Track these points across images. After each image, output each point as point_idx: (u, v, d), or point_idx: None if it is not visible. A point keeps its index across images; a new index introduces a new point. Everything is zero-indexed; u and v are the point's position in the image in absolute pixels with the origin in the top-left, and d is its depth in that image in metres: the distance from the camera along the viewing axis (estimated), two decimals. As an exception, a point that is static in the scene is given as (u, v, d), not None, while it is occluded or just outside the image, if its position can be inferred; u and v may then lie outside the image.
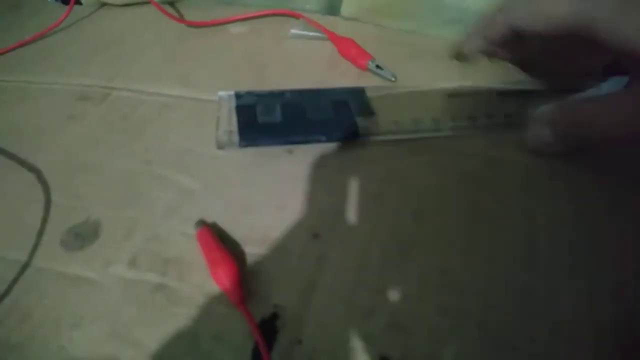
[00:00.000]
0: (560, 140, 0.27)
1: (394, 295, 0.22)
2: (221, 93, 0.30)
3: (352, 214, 0.26)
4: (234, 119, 0.29)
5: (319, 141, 0.28)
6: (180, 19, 0.40)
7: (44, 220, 0.26)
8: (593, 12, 0.23)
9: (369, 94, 0.32)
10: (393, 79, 0.33)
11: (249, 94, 0.30)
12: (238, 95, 0.30)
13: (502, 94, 0.32)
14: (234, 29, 0.39)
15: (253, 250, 0.24)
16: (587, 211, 0.25)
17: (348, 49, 0.35)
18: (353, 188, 0.27)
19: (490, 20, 0.28)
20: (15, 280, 0.24)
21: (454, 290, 0.23)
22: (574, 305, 0.22)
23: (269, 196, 0.27)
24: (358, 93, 0.31)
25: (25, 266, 0.24)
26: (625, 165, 0.27)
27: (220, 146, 0.28)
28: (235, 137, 0.28)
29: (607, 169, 0.27)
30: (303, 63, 0.35)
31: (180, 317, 0.22)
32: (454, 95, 0.32)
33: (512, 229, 0.25)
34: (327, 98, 0.31)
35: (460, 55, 0.31)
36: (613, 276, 0.23)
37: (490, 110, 0.30)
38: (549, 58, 0.29)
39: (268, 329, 0.21)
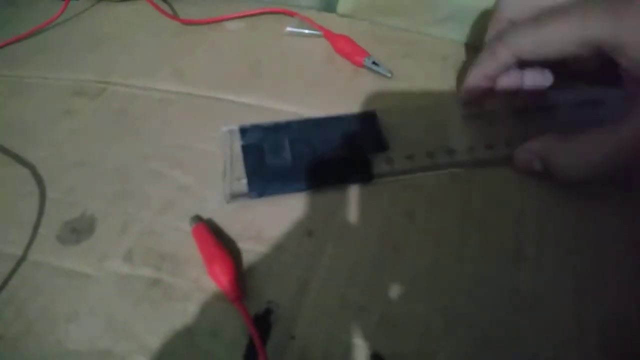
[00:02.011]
0: (549, 173, 0.25)
1: (386, 292, 0.23)
2: (224, 129, 0.28)
3: (346, 213, 0.26)
4: (240, 160, 0.27)
5: (332, 185, 0.27)
6: (175, 17, 0.40)
7: (40, 215, 0.26)
8: (616, 35, 0.22)
9: (379, 116, 0.30)
10: (389, 75, 0.34)
11: (255, 128, 0.28)
12: (243, 131, 0.28)
13: (520, 113, 0.30)
14: (230, 25, 0.39)
15: (248, 247, 0.25)
16: (575, 214, 0.26)
17: (344, 46, 0.35)
18: (347, 187, 0.27)
19: (490, 53, 0.27)
20: (11, 275, 0.24)
21: (445, 289, 0.23)
22: (558, 306, 0.22)
23: (264, 193, 0.27)
24: (369, 121, 0.29)
25: (20, 260, 0.25)
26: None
27: (229, 199, 0.26)
28: (244, 186, 0.26)
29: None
30: (299, 60, 0.36)
31: (175, 312, 0.22)
32: (469, 117, 0.30)
33: (502, 230, 0.25)
34: (336, 130, 0.28)
35: (467, 102, 0.30)
36: (598, 279, 0.23)
37: (509, 135, 0.28)
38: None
39: (262, 324, 0.22)
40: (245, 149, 0.27)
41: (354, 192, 0.27)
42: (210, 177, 0.28)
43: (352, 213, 0.26)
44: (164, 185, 0.28)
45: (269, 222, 0.26)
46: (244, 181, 0.26)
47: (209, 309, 0.22)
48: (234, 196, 0.26)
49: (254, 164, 0.27)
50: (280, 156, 0.27)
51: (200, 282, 0.23)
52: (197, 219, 0.25)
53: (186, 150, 0.29)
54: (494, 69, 0.27)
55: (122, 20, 0.41)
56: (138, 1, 0.42)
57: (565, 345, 0.21)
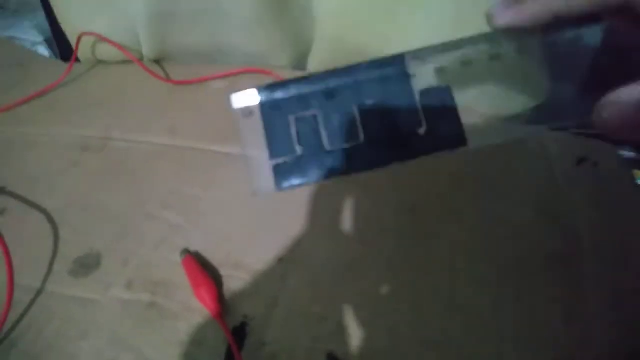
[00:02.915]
0: None
1: (341, 305, 0.28)
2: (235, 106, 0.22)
3: (309, 241, 0.31)
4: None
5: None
6: (166, 78, 0.46)
7: (54, 253, 0.32)
8: None
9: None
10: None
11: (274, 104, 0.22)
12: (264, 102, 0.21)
13: None
14: (214, 84, 0.45)
15: (228, 273, 0.30)
16: (501, 224, 0.31)
17: (311, 100, 0.41)
18: (310, 220, 0.32)
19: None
20: (31, 303, 0.29)
21: (389, 300, 0.28)
22: (481, 314, 0.27)
23: (242, 228, 0.32)
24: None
25: (39, 292, 0.29)
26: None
27: (257, 192, 0.21)
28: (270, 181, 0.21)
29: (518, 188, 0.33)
30: (273, 113, 0.42)
31: (168, 328, 0.27)
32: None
33: (438, 249, 0.31)
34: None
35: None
36: (517, 291, 0.28)
37: None
38: None
39: (239, 335, 0.27)
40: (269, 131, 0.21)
41: (316, 224, 0.32)
42: (196, 216, 0.33)
43: (315, 241, 0.31)
44: (158, 225, 0.33)
45: (246, 251, 0.31)
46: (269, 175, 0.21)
47: (196, 324, 0.27)
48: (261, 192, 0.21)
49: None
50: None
51: (189, 303, 0.28)
52: (186, 251, 0.31)
53: (177, 195, 0.35)
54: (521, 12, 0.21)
55: (120, 81, 0.47)
56: (134, 63, 0.48)
57: (488, 349, 0.26)
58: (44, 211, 0.34)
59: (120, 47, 0.47)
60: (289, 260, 0.30)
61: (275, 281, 0.29)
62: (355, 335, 0.27)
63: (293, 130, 0.21)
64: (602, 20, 0.21)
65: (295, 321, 0.27)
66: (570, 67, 0.23)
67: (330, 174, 0.21)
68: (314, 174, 0.21)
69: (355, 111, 0.21)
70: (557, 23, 0.20)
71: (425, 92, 0.21)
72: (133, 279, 0.30)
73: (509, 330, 0.27)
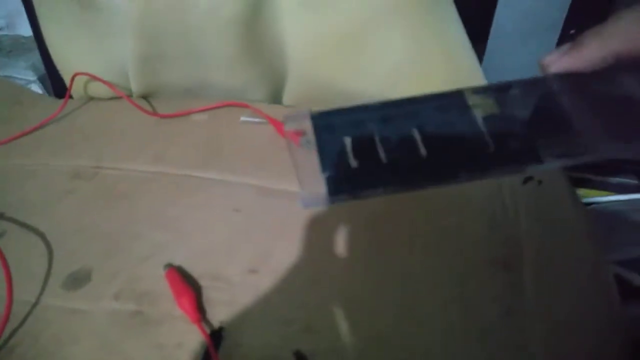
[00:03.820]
0: None
1: (307, 310, 0.31)
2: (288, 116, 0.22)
3: (280, 254, 0.35)
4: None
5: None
6: (153, 112, 0.50)
7: (49, 270, 0.35)
8: None
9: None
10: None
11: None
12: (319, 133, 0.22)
13: None
14: (196, 117, 0.49)
15: (207, 284, 0.33)
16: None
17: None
18: (281, 233, 0.36)
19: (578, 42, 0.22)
20: (27, 315, 0.32)
21: (352, 305, 0.31)
22: (435, 311, 0.31)
23: (220, 244, 0.36)
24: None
25: (34, 304, 0.32)
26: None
27: (307, 204, 0.21)
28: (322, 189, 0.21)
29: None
30: (251, 142, 0.46)
31: (152, 333, 0.30)
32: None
33: (395, 258, 0.34)
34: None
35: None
36: (464, 289, 0.32)
37: None
38: None
39: (216, 338, 0.30)
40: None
41: (286, 238, 0.36)
42: (179, 234, 0.37)
43: (286, 253, 0.35)
44: (144, 243, 0.36)
45: (223, 265, 0.34)
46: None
47: (177, 329, 0.30)
48: (310, 203, 0.21)
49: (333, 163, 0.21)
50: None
51: (171, 311, 0.31)
52: (169, 265, 0.34)
53: (161, 216, 0.38)
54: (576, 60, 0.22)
55: (110, 115, 0.51)
56: (122, 99, 0.52)
57: (437, 342, 0.30)
58: (39, 233, 0.37)
59: (111, 85, 0.51)
60: (261, 272, 0.34)
61: (249, 290, 0.33)
62: (319, 335, 0.30)
63: (348, 145, 0.21)
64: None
65: (266, 324, 0.31)
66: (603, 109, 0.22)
67: (388, 187, 0.20)
68: (370, 187, 0.20)
69: (415, 132, 0.21)
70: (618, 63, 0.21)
71: (488, 118, 0.21)
72: (121, 291, 0.33)
73: (455, 325, 0.30)
